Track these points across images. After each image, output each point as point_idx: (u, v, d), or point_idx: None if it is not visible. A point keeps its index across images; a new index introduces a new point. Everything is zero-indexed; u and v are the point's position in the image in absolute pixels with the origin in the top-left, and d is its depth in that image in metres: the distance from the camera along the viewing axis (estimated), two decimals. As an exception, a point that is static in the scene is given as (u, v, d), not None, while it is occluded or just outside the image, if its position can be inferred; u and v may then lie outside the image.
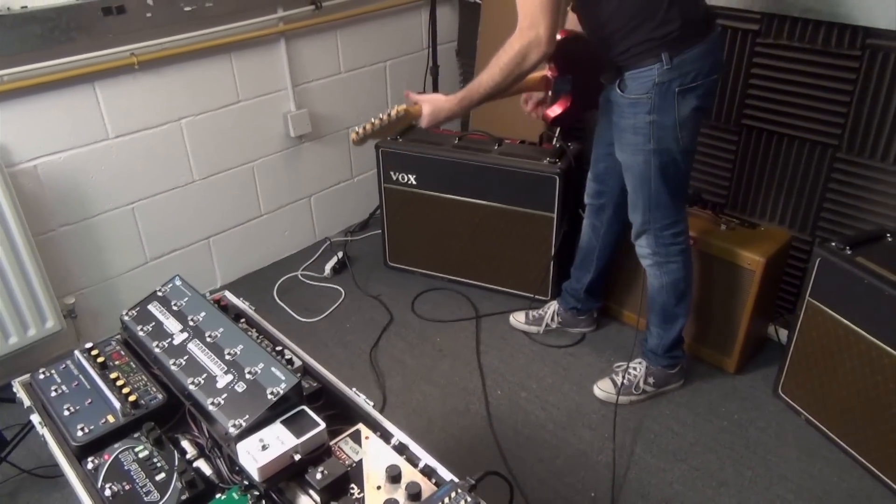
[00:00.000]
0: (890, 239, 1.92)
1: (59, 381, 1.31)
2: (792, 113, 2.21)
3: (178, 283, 1.42)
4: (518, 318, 2.51)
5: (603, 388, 2.17)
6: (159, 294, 1.41)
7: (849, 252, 1.85)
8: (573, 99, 1.91)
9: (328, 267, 2.85)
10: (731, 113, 2.35)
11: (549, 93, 1.97)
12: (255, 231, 2.82)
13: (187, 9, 2.21)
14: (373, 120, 1.74)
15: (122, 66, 2.17)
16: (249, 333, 1.29)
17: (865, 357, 1.80)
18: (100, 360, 1.33)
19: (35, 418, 1.29)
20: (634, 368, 2.17)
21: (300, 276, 2.85)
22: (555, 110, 1.93)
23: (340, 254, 2.90)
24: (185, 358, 1.23)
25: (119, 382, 1.27)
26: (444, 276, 2.75)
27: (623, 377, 2.15)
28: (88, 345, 1.37)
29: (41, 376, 1.33)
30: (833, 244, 1.89)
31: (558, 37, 1.74)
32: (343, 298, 2.71)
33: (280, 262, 2.94)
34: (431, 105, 1.80)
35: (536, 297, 2.57)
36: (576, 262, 2.38)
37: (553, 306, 2.46)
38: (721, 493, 1.85)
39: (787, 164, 2.28)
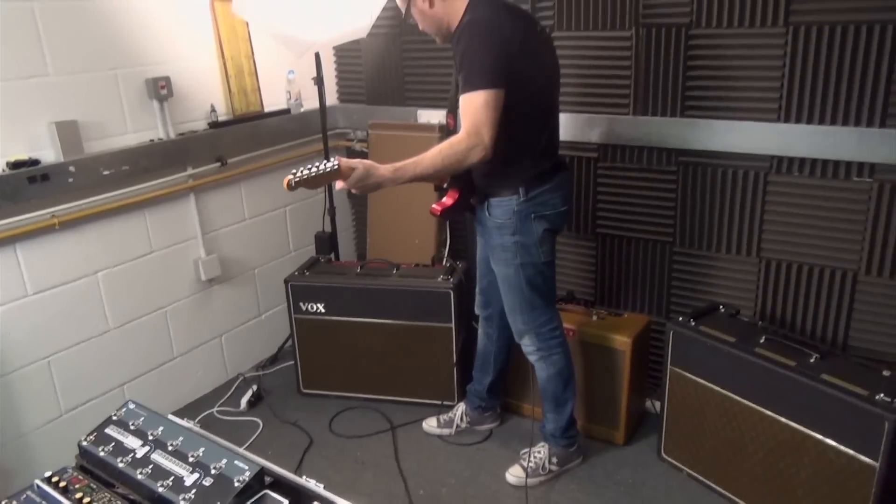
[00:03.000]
0: (722, 310, 2.37)
1: (21, 510, 1.40)
2: (634, 219, 2.71)
3: (132, 406, 1.56)
4: (430, 424, 2.72)
5: (514, 474, 2.41)
6: (115, 418, 1.54)
7: (693, 323, 2.27)
8: (460, 193, 2.17)
9: (244, 401, 2.96)
10: (587, 224, 2.82)
11: (443, 186, 2.21)
12: (168, 374, 2.91)
13: (106, 172, 2.45)
14: (308, 168, 1.78)
15: (43, 227, 2.33)
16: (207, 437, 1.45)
17: (721, 408, 2.18)
18: (61, 484, 1.44)
19: (-1, 549, 1.36)
20: (538, 452, 2.43)
21: (216, 414, 2.93)
22: (444, 203, 2.17)
23: (255, 387, 3.02)
24: (151, 467, 1.38)
25: (85, 500, 1.38)
26: (357, 396, 2.94)
27: (529, 461, 2.41)
28: (48, 473, 1.47)
29: (1, 510, 1.41)
30: (681, 319, 2.31)
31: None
32: (261, 429, 2.81)
33: (195, 402, 3.02)
34: (365, 169, 1.88)
35: (444, 402, 2.81)
36: (476, 365, 2.67)
37: (461, 408, 2.71)
38: (628, 548, 2.10)
39: (638, 261, 2.75)
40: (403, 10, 2.12)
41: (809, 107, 2.24)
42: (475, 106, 1.89)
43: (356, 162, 1.90)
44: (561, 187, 2.17)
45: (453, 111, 2.14)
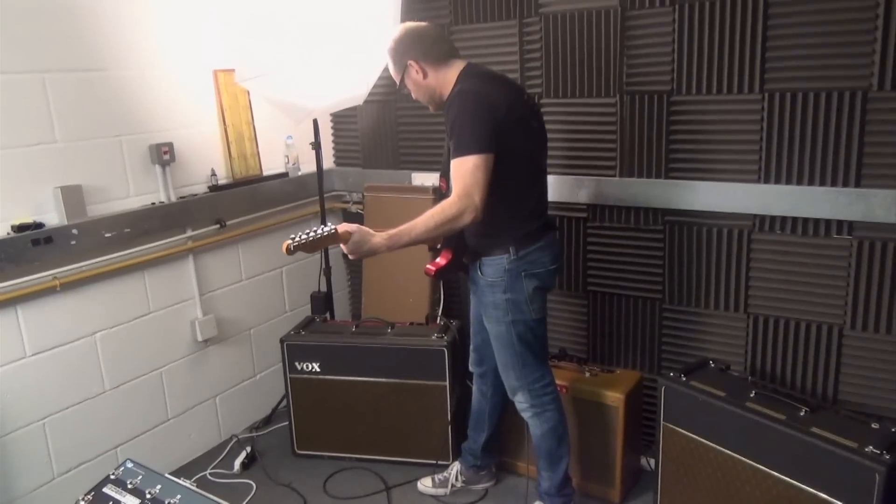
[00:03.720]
0: (713, 365, 2.41)
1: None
2: (623, 277, 2.77)
3: (129, 465, 1.58)
4: (425, 484, 2.71)
5: (511, 534, 2.39)
6: (112, 477, 1.56)
7: (684, 379, 2.30)
8: (453, 253, 2.23)
9: (237, 463, 2.94)
10: (578, 282, 2.88)
11: (437, 247, 2.28)
12: (162, 436, 2.90)
13: (108, 235, 2.51)
14: (307, 233, 1.86)
15: (45, 288, 2.37)
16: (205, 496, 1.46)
17: (715, 463, 2.19)
18: (58, 545, 1.44)
19: None
20: (535, 511, 2.42)
21: (209, 476, 2.91)
22: (438, 263, 2.23)
23: (249, 448, 3.00)
24: (149, 525, 1.39)
25: (82, 559, 1.39)
26: (352, 456, 2.93)
27: (527, 520, 2.40)
28: (45, 533, 1.47)
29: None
30: (672, 374, 2.34)
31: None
32: (255, 491, 2.79)
33: (188, 465, 2.99)
34: (360, 236, 1.96)
35: (439, 462, 2.80)
36: (470, 423, 2.68)
37: (456, 467, 2.71)
38: None
39: (629, 318, 2.80)
40: (398, 82, 2.23)
41: (787, 168, 2.34)
42: (466, 170, 1.97)
43: (353, 227, 1.98)
44: (550, 246, 2.24)
45: (446, 175, 2.23)
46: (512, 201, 2.13)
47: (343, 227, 1.96)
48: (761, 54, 2.31)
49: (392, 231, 1.99)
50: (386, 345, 2.80)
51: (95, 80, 2.51)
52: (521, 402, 2.33)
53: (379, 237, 1.98)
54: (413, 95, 2.25)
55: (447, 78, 2.15)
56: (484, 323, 2.32)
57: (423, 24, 2.23)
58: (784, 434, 2.00)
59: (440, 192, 2.37)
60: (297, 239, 1.85)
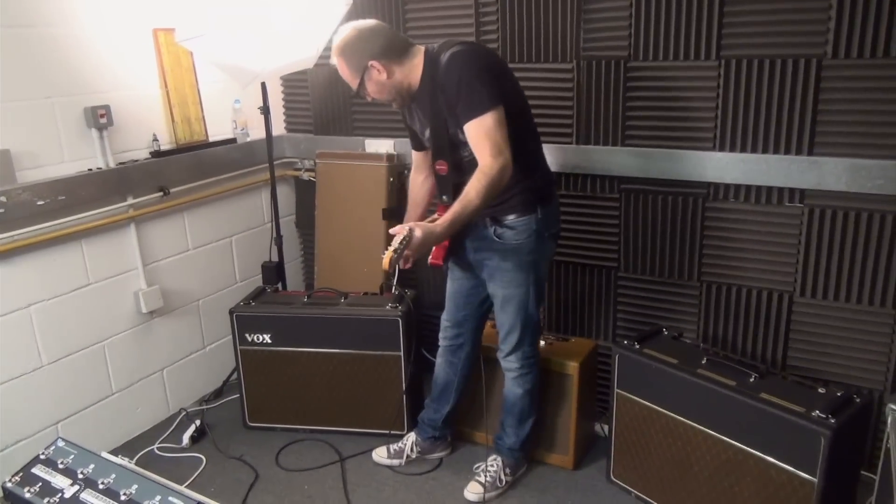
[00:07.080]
0: (665, 333, 2.42)
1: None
2: (580, 245, 2.75)
3: (60, 444, 1.50)
4: (380, 454, 2.68)
5: (473, 491, 2.42)
6: (42, 457, 1.48)
7: (637, 346, 2.30)
8: (450, 240, 2.17)
9: (186, 437, 2.86)
10: (533, 251, 2.85)
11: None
12: (106, 411, 2.80)
13: (40, 203, 2.37)
14: (395, 246, 1.79)
15: (-29, 259, 2.25)
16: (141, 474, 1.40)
17: (667, 429, 2.20)
18: (-16, 529, 1.36)
19: None
20: (492, 465, 2.44)
21: (156, 451, 2.83)
22: (438, 255, 2.20)
23: (198, 422, 2.93)
24: (80, 507, 1.32)
25: (10, 544, 1.31)
26: (305, 428, 2.88)
27: (486, 476, 2.41)
28: (-30, 518, 1.39)
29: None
30: (626, 342, 2.34)
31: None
32: (205, 465, 2.72)
33: (134, 440, 2.91)
34: (422, 231, 1.84)
35: (393, 432, 2.77)
36: (433, 395, 2.64)
37: (411, 437, 2.68)
38: (578, 574, 2.09)
39: (584, 286, 2.79)
40: (355, 87, 2.09)
41: (742, 136, 2.34)
42: (488, 128, 1.91)
43: (414, 225, 1.86)
44: (558, 205, 2.29)
45: (443, 156, 2.13)
46: (529, 152, 2.11)
47: (400, 228, 1.85)
48: (718, 20, 2.28)
49: (448, 219, 1.89)
50: (339, 315, 2.73)
51: (23, 36, 2.35)
52: (511, 362, 2.34)
53: (440, 227, 1.89)
54: (372, 97, 2.11)
55: (413, 65, 2.05)
56: (494, 289, 2.26)
57: (369, 21, 2.08)
58: (734, 400, 2.02)
59: (439, 176, 2.21)
60: (392, 255, 1.78)
